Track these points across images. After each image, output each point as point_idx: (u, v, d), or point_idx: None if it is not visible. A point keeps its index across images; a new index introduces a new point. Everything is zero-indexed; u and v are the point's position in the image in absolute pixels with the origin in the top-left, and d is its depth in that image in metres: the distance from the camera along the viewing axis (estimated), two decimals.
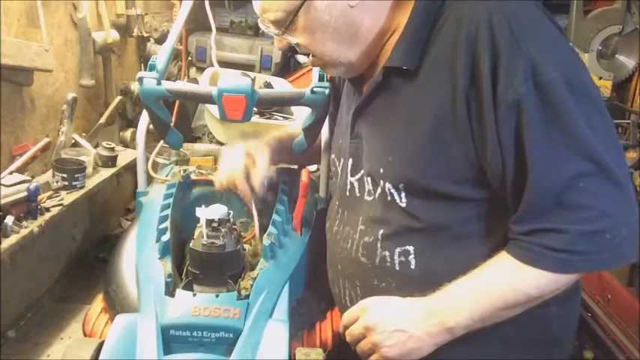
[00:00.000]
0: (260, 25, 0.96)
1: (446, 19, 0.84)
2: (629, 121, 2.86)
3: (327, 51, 0.93)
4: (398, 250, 0.92)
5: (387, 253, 0.93)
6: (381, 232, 0.93)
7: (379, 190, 0.94)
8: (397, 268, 0.92)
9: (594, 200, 0.78)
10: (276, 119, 2.46)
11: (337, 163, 1.10)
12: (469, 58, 0.80)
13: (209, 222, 1.08)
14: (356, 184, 1.01)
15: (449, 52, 0.82)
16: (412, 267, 0.91)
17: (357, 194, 1.00)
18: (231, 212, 1.12)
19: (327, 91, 1.12)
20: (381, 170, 0.92)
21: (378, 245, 0.94)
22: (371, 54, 0.94)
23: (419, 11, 0.87)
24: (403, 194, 0.90)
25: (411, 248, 0.91)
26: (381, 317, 0.87)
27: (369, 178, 0.97)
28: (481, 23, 0.79)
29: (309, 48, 0.93)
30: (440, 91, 0.83)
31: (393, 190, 0.91)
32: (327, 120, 1.21)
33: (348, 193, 1.03)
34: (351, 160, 1.03)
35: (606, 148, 0.78)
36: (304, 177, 1.21)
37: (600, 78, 2.86)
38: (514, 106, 0.77)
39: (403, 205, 0.90)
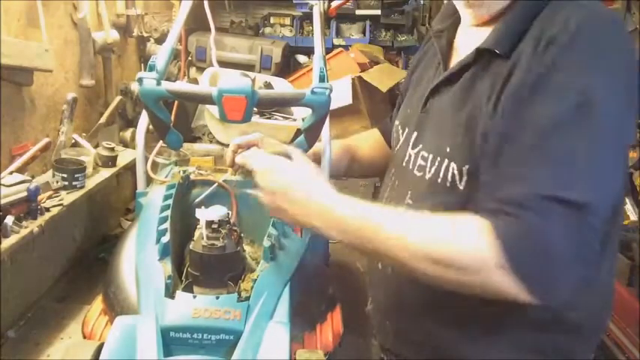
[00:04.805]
0: None
1: (542, 17, 0.83)
2: None
3: None
4: None
5: None
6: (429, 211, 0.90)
7: (434, 169, 0.92)
8: None
9: None
10: (276, 119, 2.47)
11: (401, 132, 1.08)
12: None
13: (209, 223, 1.07)
14: (412, 157, 1.00)
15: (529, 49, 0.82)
16: None
17: (410, 167, 0.99)
18: (230, 213, 1.12)
19: (327, 92, 1.11)
20: (448, 149, 0.90)
21: None
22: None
23: (523, 3, 0.86)
24: (465, 178, 0.87)
25: None
26: (278, 175, 0.93)
27: (427, 154, 0.95)
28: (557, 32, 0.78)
29: None
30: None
31: (455, 172, 0.88)
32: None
33: (404, 164, 1.02)
34: (415, 133, 1.01)
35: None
36: None
37: None
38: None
39: (461, 187, 0.88)
